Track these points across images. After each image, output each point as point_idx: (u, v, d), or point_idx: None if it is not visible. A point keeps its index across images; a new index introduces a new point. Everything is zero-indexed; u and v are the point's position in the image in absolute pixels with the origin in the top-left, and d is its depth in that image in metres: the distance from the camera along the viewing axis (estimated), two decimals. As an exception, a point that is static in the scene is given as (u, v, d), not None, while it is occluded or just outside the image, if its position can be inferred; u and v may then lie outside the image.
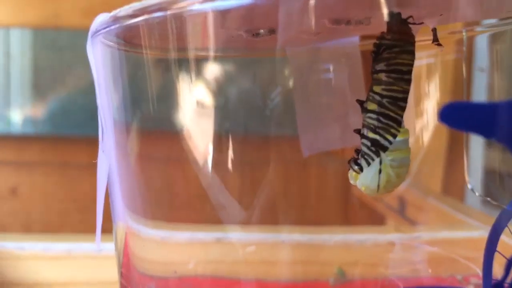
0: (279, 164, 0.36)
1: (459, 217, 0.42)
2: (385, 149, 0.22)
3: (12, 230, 0.84)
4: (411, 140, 0.33)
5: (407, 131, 0.22)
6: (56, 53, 0.82)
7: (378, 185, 0.22)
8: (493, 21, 0.27)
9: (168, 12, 0.19)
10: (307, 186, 0.40)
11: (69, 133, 0.82)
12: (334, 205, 0.41)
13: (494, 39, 0.30)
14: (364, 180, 0.22)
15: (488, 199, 0.31)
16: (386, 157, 0.22)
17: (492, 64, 0.31)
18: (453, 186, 0.44)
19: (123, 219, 0.25)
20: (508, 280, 0.23)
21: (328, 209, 0.40)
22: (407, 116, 0.33)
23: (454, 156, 0.37)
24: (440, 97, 0.34)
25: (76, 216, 0.81)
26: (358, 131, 0.23)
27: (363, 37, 0.30)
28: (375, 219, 0.54)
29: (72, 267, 0.40)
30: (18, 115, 0.86)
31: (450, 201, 0.45)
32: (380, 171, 0.22)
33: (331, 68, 0.32)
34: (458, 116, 0.14)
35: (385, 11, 0.20)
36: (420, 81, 0.32)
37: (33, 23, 0.82)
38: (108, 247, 0.28)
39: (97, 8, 0.23)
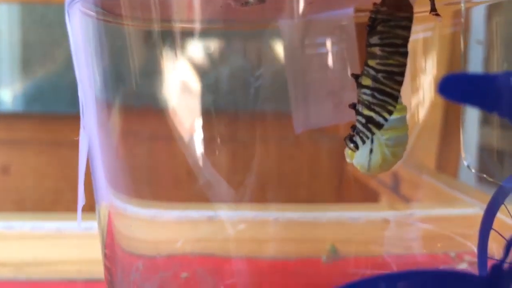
0: (270, 141, 0.35)
1: (453, 194, 0.42)
2: (380, 126, 0.21)
3: (4, 208, 0.84)
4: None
5: (404, 108, 0.21)
6: (45, 29, 0.80)
7: (374, 164, 0.21)
8: None
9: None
10: (300, 164, 0.40)
11: (60, 111, 0.81)
12: (327, 182, 0.40)
13: (492, 11, 0.29)
14: (359, 159, 0.22)
15: (484, 175, 0.31)
16: (382, 136, 0.21)
17: (490, 36, 0.30)
18: (447, 163, 0.43)
19: (107, 198, 0.25)
20: (508, 260, 0.22)
21: (322, 186, 0.39)
22: (402, 92, 0.32)
23: (449, 133, 0.36)
24: (436, 71, 0.33)
25: (69, 194, 0.81)
26: (353, 106, 0.22)
27: (358, 10, 0.29)
28: (369, 196, 0.54)
29: (62, 246, 0.39)
30: (8, 93, 0.85)
31: (444, 178, 0.45)
32: (373, 151, 0.21)
33: (325, 41, 0.31)
34: (458, 88, 0.14)
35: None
36: (416, 55, 0.31)
37: (20, -3, 0.80)
38: (97, 226, 0.28)
39: None
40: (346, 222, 0.39)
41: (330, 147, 0.36)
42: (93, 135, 0.23)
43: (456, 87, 0.14)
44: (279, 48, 0.32)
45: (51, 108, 0.82)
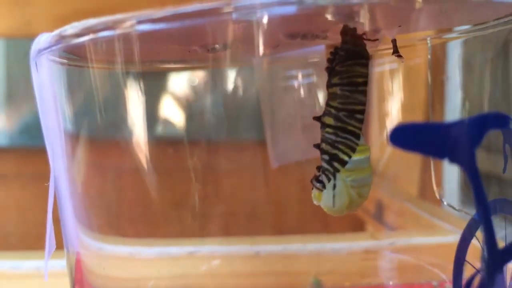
0: (250, 171, 0.36)
1: (435, 222, 0.42)
2: (344, 163, 0.21)
3: (-12, 243, 0.83)
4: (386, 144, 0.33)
5: (367, 149, 0.21)
6: (29, 64, 0.81)
7: (341, 206, 0.21)
8: (467, 27, 0.27)
9: (115, 32, 0.18)
10: (285, 193, 0.40)
11: (45, 144, 0.80)
12: (314, 212, 0.40)
13: (462, 44, 0.30)
14: (326, 202, 0.22)
15: (457, 208, 0.31)
16: (347, 178, 0.21)
17: (460, 69, 0.31)
18: (429, 191, 0.43)
19: (75, 236, 0.25)
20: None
21: (309, 216, 0.39)
22: (383, 119, 0.33)
23: (430, 160, 0.37)
24: (415, 102, 0.34)
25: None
26: (317, 146, 0.22)
27: (329, 46, 0.29)
28: (355, 224, 0.54)
29: (42, 286, 0.39)
30: (-8, 127, 0.85)
31: (427, 206, 0.45)
32: (340, 193, 0.21)
33: (298, 77, 0.32)
34: (409, 137, 0.14)
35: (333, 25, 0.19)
36: (397, 86, 0.32)
37: (4, 32, 0.81)
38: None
39: (68, 16, 0.23)
40: (328, 253, 0.39)
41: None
42: (61, 174, 0.23)
43: (407, 137, 0.14)
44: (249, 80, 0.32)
45: (35, 142, 0.82)
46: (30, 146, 0.83)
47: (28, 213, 0.83)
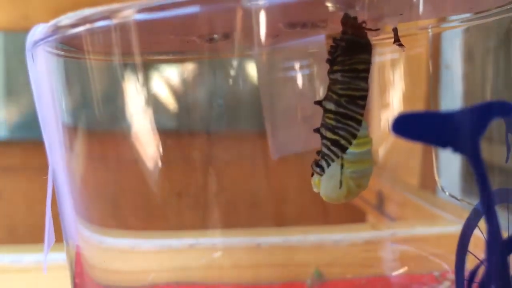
0: (250, 162, 0.35)
1: (436, 212, 0.42)
2: (344, 149, 0.21)
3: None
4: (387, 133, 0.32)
5: (369, 141, 0.21)
6: (28, 56, 0.80)
7: (340, 196, 0.21)
8: (468, 15, 0.27)
9: (112, 22, 0.18)
10: (284, 184, 0.40)
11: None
12: (314, 203, 0.40)
13: (463, 32, 0.30)
14: (325, 190, 0.22)
15: (458, 198, 0.31)
16: (347, 169, 0.21)
17: (461, 59, 0.31)
18: (430, 181, 0.43)
19: (74, 229, 0.25)
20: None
21: (308, 206, 0.39)
22: (384, 109, 0.32)
23: (431, 150, 0.37)
24: (416, 92, 0.34)
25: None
26: (317, 130, 0.22)
27: (329, 36, 0.29)
28: (356, 215, 0.54)
29: (42, 280, 0.39)
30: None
31: (428, 196, 0.45)
32: (335, 178, 0.21)
33: (298, 67, 0.32)
34: (412, 126, 0.14)
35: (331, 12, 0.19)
36: (398, 76, 0.32)
37: (3, 25, 0.80)
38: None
39: (67, 8, 0.22)
40: (329, 244, 0.39)
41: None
42: (60, 166, 0.23)
43: (410, 126, 0.14)
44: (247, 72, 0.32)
45: (40, 134, 0.82)
46: (36, 138, 0.83)
47: (35, 205, 0.83)
